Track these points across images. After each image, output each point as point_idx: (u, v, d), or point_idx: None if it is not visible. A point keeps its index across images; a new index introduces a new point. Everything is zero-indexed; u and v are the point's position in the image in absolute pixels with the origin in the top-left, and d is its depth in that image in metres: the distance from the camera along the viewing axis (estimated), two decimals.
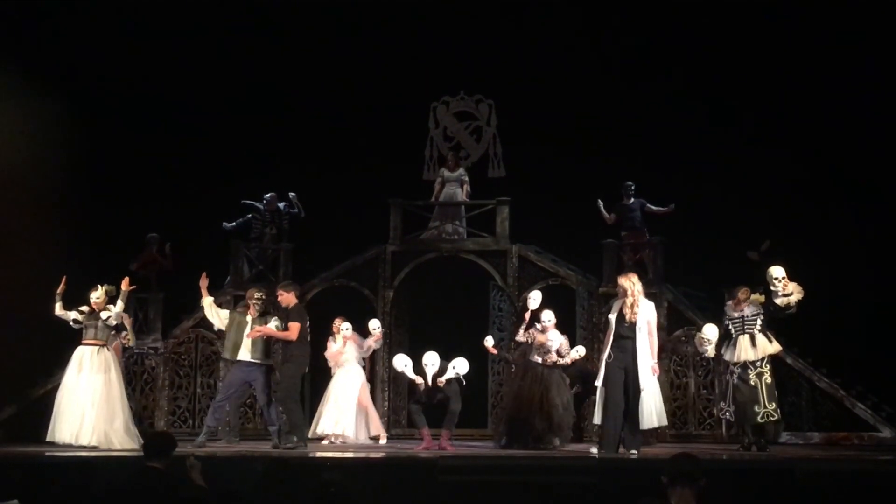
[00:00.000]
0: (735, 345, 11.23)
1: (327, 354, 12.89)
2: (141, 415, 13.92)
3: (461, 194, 15.16)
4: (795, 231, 14.36)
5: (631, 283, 10.19)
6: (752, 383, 11.04)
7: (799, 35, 14.92)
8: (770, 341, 11.25)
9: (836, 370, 13.16)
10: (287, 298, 11.30)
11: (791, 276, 11.41)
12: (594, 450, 10.12)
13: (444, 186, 15.19)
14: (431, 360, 11.20)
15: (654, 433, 11.48)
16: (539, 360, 11.61)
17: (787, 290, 11.23)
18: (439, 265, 14.93)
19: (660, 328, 13.49)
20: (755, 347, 11.15)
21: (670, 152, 15.25)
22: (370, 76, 16.48)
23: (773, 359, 13.10)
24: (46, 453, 10.57)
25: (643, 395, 10.04)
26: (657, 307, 13.60)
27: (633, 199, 14.48)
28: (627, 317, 10.08)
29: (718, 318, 13.63)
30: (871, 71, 14.54)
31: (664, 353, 12.86)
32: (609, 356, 10.06)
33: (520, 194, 14.96)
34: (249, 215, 15.12)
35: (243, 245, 14.82)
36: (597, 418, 10.16)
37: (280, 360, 12.04)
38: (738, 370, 11.14)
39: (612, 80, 15.81)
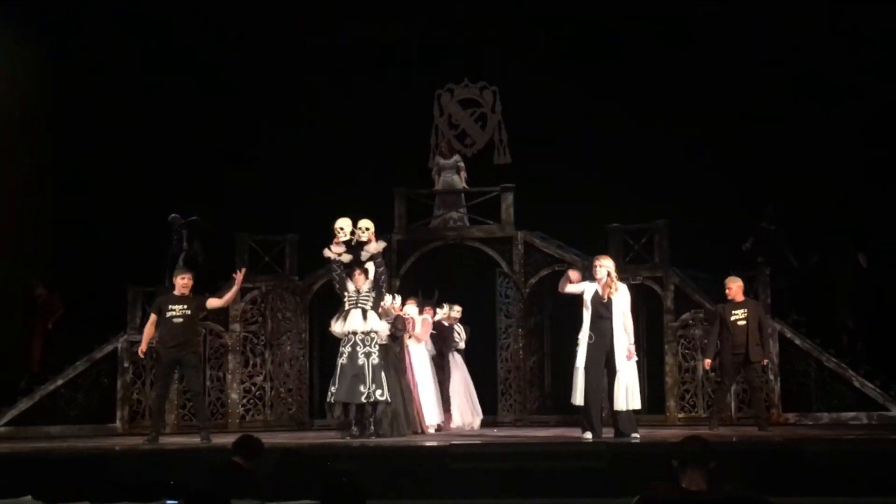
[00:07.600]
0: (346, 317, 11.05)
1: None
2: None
3: (459, 181, 15.14)
4: (804, 212, 14.36)
5: (610, 264, 10.38)
6: (360, 362, 10.88)
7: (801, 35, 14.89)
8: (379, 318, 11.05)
9: (844, 350, 13.14)
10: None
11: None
12: (588, 434, 10.12)
13: (440, 175, 15.17)
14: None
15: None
16: None
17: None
18: (445, 253, 14.93)
19: (667, 311, 13.54)
20: (365, 321, 10.98)
21: (676, 135, 15.20)
22: (373, 64, 16.46)
23: (782, 340, 13.13)
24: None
25: (619, 375, 10.13)
26: (664, 290, 13.67)
27: (774, 227, 14.06)
28: (605, 297, 10.21)
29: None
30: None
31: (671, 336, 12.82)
32: (590, 337, 10.20)
33: (524, 180, 14.92)
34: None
35: (249, 237, 14.80)
36: (578, 399, 10.20)
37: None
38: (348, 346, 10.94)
39: (618, 64, 15.75)
